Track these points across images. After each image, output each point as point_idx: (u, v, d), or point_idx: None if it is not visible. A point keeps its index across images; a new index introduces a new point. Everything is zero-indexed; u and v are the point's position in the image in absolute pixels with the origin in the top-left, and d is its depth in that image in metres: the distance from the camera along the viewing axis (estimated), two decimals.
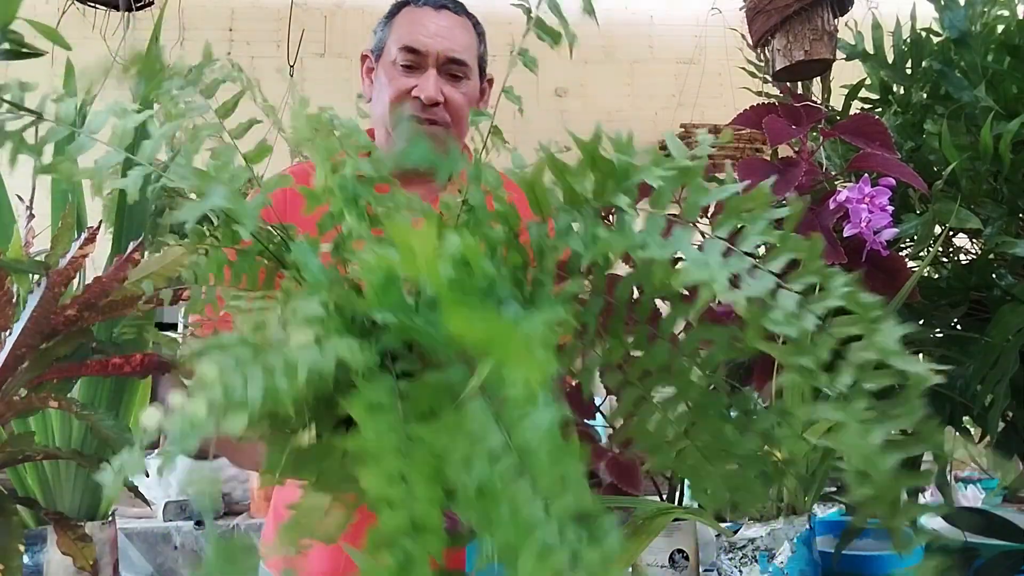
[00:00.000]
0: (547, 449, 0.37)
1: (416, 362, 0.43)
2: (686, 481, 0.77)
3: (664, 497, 0.93)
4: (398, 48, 1.24)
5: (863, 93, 0.99)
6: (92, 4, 3.20)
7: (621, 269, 0.52)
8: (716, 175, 0.99)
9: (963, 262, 0.88)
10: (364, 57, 1.34)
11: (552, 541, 0.35)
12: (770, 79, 1.53)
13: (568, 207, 0.48)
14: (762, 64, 1.52)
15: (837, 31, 1.40)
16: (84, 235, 0.79)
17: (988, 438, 0.82)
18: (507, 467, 0.37)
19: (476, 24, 1.31)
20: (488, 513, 0.35)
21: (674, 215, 0.46)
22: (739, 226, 0.43)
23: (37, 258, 0.85)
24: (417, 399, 0.40)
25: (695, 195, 0.44)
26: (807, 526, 0.70)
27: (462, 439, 0.37)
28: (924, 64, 0.91)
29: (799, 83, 1.74)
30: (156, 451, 0.41)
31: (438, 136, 1.25)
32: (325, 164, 0.51)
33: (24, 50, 0.78)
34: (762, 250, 0.43)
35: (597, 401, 0.91)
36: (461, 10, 1.28)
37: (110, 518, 0.94)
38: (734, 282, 0.41)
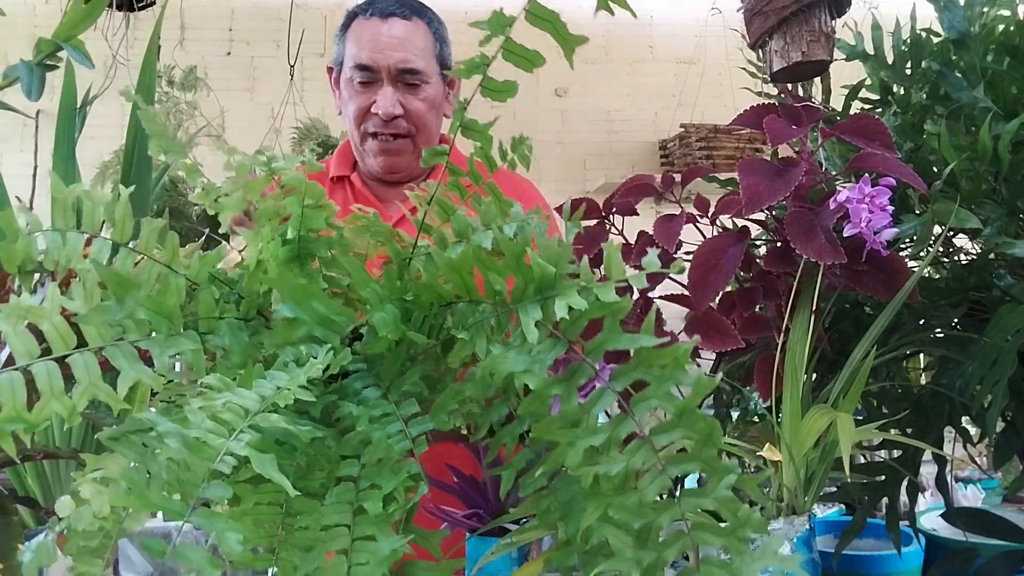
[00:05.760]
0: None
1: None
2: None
3: None
4: (351, 66, 1.23)
5: (863, 93, 0.99)
6: None
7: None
8: (716, 175, 0.99)
9: (963, 262, 0.88)
10: (329, 69, 1.34)
11: None
12: (769, 80, 1.53)
13: (484, 300, 0.47)
14: (762, 64, 1.53)
15: (834, 32, 1.40)
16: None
17: (987, 438, 0.82)
18: (335, 571, 0.40)
19: (431, 22, 1.27)
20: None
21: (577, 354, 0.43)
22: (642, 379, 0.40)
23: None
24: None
25: (608, 338, 0.42)
26: (807, 526, 0.70)
27: (317, 521, 0.42)
28: (924, 65, 0.91)
29: (799, 84, 1.74)
30: None
31: (403, 148, 1.25)
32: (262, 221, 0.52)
33: (48, 62, 0.79)
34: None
35: None
36: (411, 13, 1.24)
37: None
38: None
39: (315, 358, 0.46)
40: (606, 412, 0.44)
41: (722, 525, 0.40)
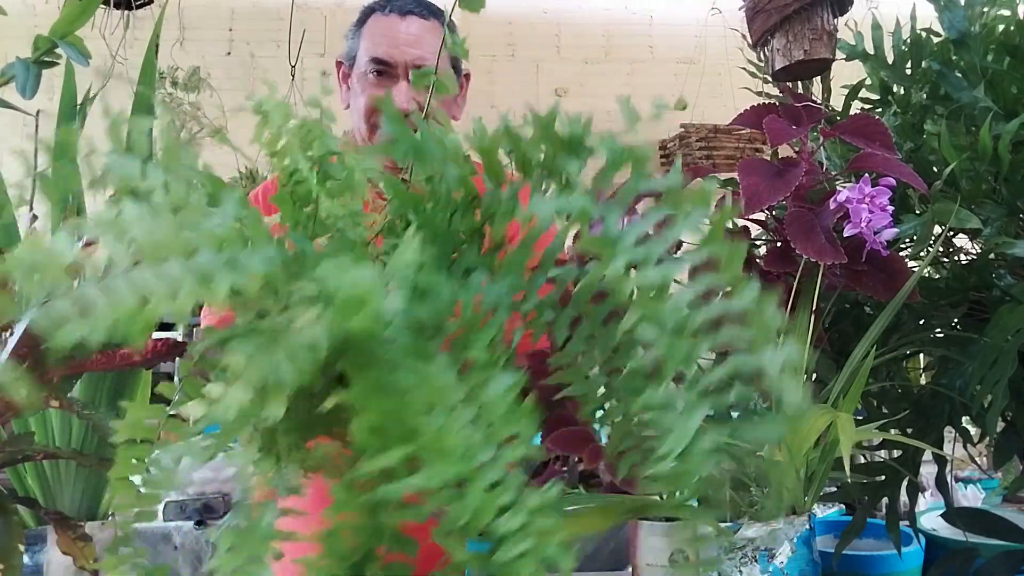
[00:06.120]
0: (503, 407, 0.40)
1: None
2: None
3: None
4: (367, 60, 1.25)
5: (863, 93, 0.99)
6: None
7: None
8: (716, 175, 0.99)
9: (963, 262, 0.88)
10: (338, 63, 1.35)
11: (498, 478, 0.38)
12: (770, 79, 1.53)
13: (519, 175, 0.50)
14: (762, 64, 1.53)
15: (837, 31, 1.40)
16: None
17: (987, 438, 0.82)
18: (465, 416, 0.40)
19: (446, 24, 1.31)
20: (443, 451, 0.38)
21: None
22: (670, 216, 0.44)
23: None
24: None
25: (635, 180, 0.46)
26: (807, 526, 0.70)
27: (427, 390, 0.40)
28: (924, 65, 0.91)
29: (799, 83, 1.74)
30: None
31: None
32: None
33: (46, 59, 0.79)
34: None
35: None
36: (428, 13, 1.27)
37: (110, 518, 0.94)
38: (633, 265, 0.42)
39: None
40: None
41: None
